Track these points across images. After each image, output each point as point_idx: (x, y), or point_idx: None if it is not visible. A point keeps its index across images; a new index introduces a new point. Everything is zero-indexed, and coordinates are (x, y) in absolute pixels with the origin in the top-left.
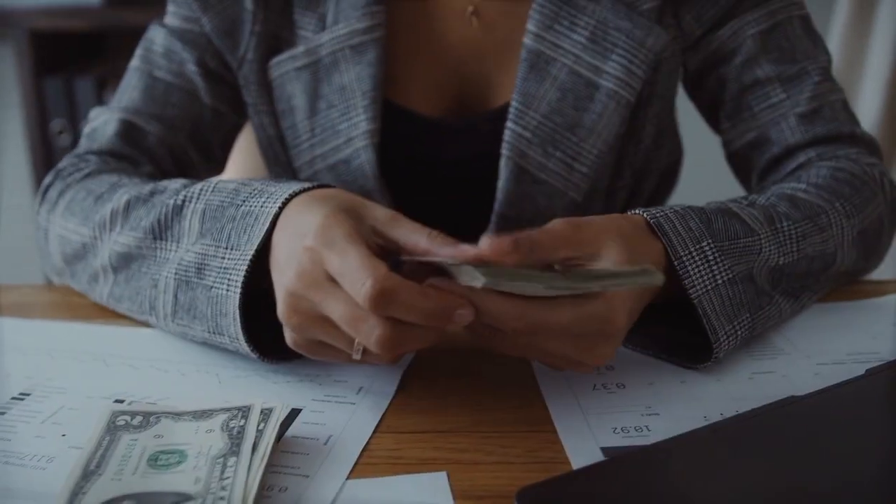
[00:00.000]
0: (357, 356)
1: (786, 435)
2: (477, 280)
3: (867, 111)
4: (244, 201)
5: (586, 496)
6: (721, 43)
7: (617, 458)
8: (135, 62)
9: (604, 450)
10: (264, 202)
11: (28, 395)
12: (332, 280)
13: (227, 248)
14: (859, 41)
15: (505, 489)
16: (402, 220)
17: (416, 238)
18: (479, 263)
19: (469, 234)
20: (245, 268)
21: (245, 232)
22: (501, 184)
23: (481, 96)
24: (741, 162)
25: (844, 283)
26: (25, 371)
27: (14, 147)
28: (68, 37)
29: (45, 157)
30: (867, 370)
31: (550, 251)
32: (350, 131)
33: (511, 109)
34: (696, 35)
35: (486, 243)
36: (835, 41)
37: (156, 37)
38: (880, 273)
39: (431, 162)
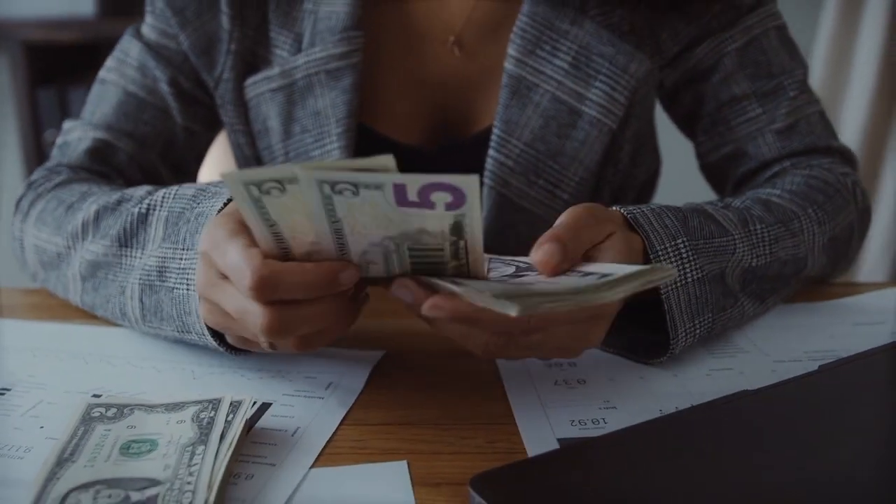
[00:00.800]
0: (265, 346)
1: (736, 426)
2: (510, 309)
3: (853, 115)
4: (199, 203)
5: (538, 483)
6: (698, 60)
7: (569, 447)
8: (108, 74)
9: (560, 441)
10: (213, 203)
11: (9, 390)
12: (225, 277)
13: (183, 249)
14: (846, 45)
15: (462, 477)
16: None
17: None
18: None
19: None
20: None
21: (197, 232)
22: (484, 213)
23: (462, 123)
24: (717, 172)
25: (810, 286)
26: (7, 368)
27: (8, 156)
28: (62, 48)
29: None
30: (820, 366)
31: (581, 241)
32: (323, 158)
33: (493, 137)
34: (672, 52)
35: (539, 258)
36: (821, 46)
37: (130, 49)
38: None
39: None
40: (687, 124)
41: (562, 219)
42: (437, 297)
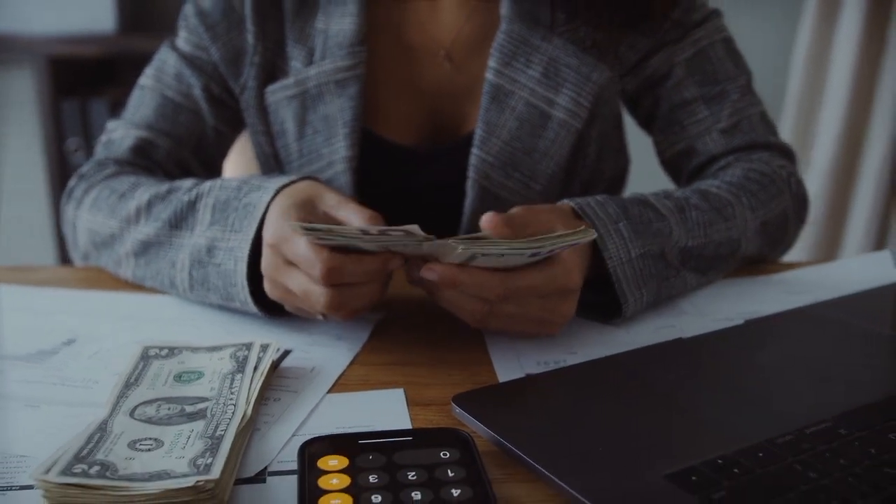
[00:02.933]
0: (319, 316)
1: (668, 363)
2: (457, 250)
3: (831, 112)
4: (245, 195)
5: (506, 399)
6: (653, 70)
7: (533, 376)
8: (147, 81)
9: (528, 375)
10: (260, 195)
11: (74, 340)
12: (291, 264)
13: (231, 232)
14: (824, 47)
15: (447, 399)
16: (346, 204)
17: (353, 218)
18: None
19: None
20: (248, 246)
21: (246, 218)
22: (468, 203)
23: (452, 127)
24: (673, 167)
25: (750, 264)
26: (70, 325)
27: (32, 163)
28: (83, 62)
29: (61, 173)
30: (746, 321)
31: (522, 229)
32: (331, 156)
33: (475, 137)
34: (631, 62)
35: (486, 219)
36: (801, 49)
37: (168, 59)
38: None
39: (406, 184)
40: (647, 125)
41: (510, 211)
42: (429, 263)
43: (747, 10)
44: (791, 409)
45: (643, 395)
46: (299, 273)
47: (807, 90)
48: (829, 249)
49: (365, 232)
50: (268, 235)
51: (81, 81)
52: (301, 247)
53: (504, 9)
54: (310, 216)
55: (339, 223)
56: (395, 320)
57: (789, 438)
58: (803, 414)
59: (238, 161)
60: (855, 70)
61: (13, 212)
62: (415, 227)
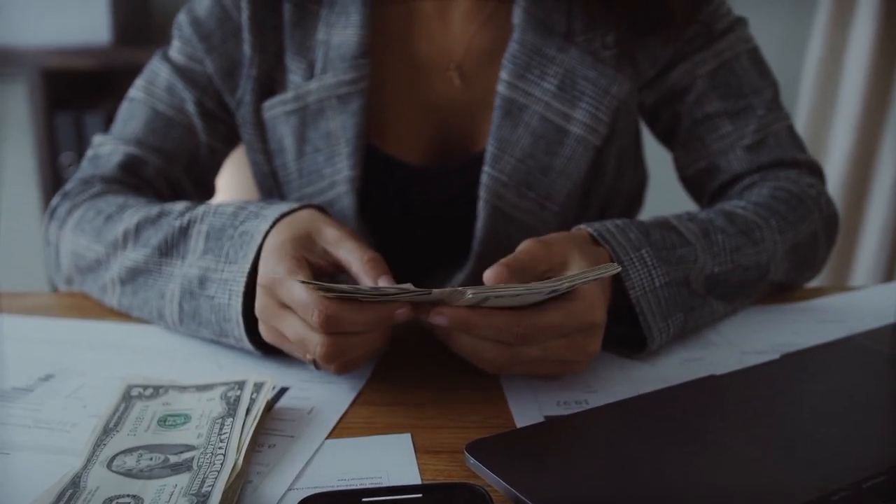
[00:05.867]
0: (310, 365)
1: (703, 404)
2: (466, 296)
3: (845, 119)
4: (242, 222)
5: (525, 448)
6: (674, 82)
7: (553, 420)
8: (137, 93)
9: (546, 418)
10: (258, 223)
11: (53, 376)
12: (286, 307)
13: (226, 262)
14: (838, 49)
15: (459, 446)
16: (345, 241)
17: (352, 260)
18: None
19: (448, 268)
20: (244, 279)
21: (242, 248)
22: (480, 224)
23: (461, 144)
24: (694, 184)
25: (779, 291)
26: (49, 358)
27: (25, 178)
28: (78, 75)
29: (55, 188)
30: (781, 355)
31: (533, 268)
32: (333, 176)
33: (487, 155)
34: (650, 75)
35: (488, 275)
36: (814, 51)
37: (160, 71)
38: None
39: (414, 205)
40: (666, 140)
41: (517, 249)
42: (438, 307)
43: (757, 22)
44: (842, 457)
45: (675, 440)
46: (295, 318)
47: (818, 103)
48: (840, 268)
49: (357, 289)
50: (261, 275)
51: (76, 94)
52: (296, 290)
53: (517, 17)
54: (307, 253)
55: (337, 262)
56: (401, 355)
57: (845, 495)
58: (856, 464)
59: (232, 175)
60: (867, 83)
61: (5, 227)
62: (408, 286)
